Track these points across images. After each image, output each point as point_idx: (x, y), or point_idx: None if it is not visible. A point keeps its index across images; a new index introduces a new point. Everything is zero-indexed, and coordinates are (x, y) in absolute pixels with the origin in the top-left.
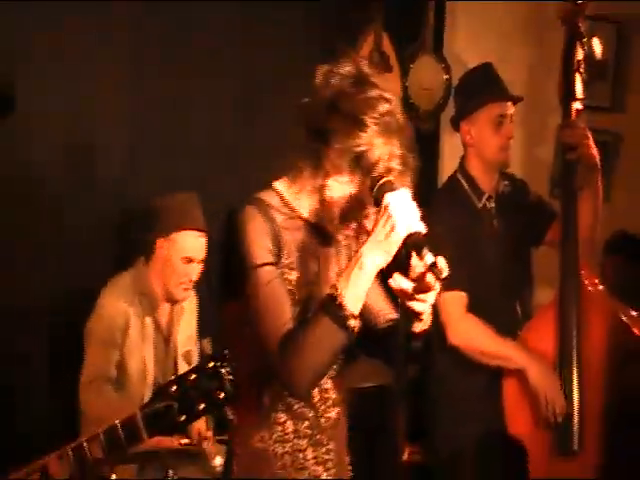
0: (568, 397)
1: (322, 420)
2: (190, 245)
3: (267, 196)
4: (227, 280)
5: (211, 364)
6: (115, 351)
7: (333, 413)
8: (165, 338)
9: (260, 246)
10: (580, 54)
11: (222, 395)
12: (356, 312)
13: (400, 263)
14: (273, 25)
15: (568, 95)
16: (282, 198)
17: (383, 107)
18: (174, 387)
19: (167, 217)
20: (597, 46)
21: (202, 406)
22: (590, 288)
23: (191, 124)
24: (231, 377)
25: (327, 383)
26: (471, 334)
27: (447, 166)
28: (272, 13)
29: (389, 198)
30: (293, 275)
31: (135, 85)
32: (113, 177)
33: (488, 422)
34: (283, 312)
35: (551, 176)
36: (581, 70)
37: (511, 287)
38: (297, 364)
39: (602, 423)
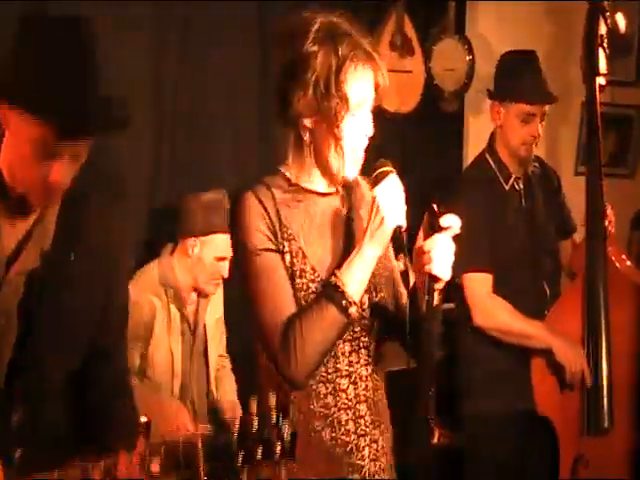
0: (597, 373)
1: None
2: (222, 246)
3: (271, 179)
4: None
5: (274, 416)
6: (138, 343)
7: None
8: (192, 328)
9: (255, 232)
10: (603, 29)
11: (279, 449)
12: (357, 300)
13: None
14: None
15: (591, 70)
16: (287, 178)
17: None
18: (237, 426)
19: (198, 219)
20: (621, 20)
21: (259, 454)
22: (618, 264)
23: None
24: (291, 430)
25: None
26: (495, 314)
27: (472, 147)
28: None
29: (377, 191)
30: (294, 246)
31: (169, 84)
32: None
33: (517, 402)
34: (282, 300)
35: (577, 154)
36: (604, 45)
37: (539, 267)
38: (298, 352)
39: (634, 399)
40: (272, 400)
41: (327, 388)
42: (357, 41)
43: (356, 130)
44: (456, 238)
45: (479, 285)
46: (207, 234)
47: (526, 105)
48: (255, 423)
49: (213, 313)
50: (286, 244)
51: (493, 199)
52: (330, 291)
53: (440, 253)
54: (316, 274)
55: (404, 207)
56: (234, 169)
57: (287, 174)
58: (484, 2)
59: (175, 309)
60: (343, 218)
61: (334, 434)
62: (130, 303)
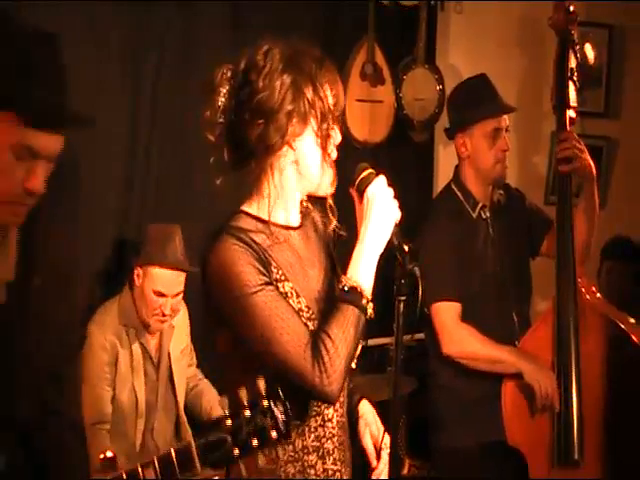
0: (567, 404)
1: (330, 426)
2: (162, 280)
3: (239, 222)
4: (215, 315)
5: (265, 402)
6: (108, 388)
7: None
8: (155, 363)
9: (249, 271)
10: (573, 62)
11: (275, 434)
12: (370, 297)
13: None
14: None
15: (562, 103)
16: (254, 217)
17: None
18: (228, 421)
19: (145, 247)
20: (590, 52)
21: (255, 442)
22: (587, 296)
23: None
24: (284, 417)
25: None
26: (464, 342)
27: (442, 176)
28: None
29: (371, 191)
30: (287, 287)
31: (135, 115)
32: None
33: (487, 433)
34: (297, 324)
35: (546, 183)
36: (574, 78)
37: (508, 296)
38: (335, 360)
39: (602, 432)
40: (261, 385)
41: (317, 421)
42: (323, 61)
43: (334, 141)
44: (424, 268)
45: (447, 314)
46: (147, 265)
47: (490, 120)
48: (247, 412)
49: (178, 344)
50: (279, 285)
51: (461, 228)
52: (347, 294)
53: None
54: (311, 312)
55: (396, 203)
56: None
57: (251, 212)
58: (454, 33)
59: (136, 347)
60: (316, 247)
61: (325, 465)
62: (93, 344)
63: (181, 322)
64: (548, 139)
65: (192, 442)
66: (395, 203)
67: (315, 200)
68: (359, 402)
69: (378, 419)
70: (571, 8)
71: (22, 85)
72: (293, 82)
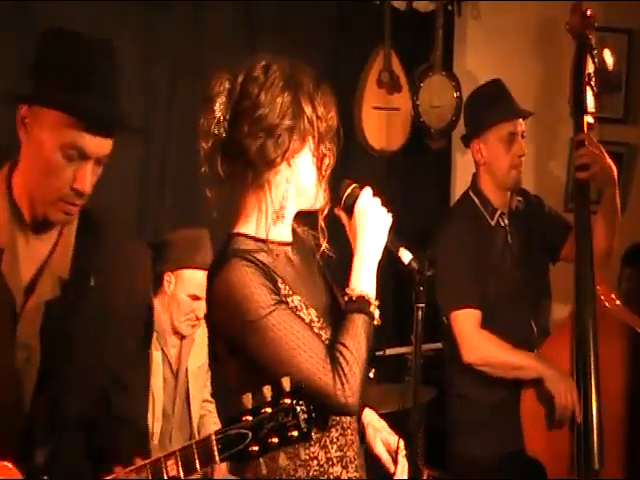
0: (587, 414)
1: (349, 432)
2: (197, 282)
3: (239, 244)
4: (223, 341)
5: (287, 400)
6: None
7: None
8: (174, 371)
9: (261, 293)
10: (591, 67)
11: (296, 433)
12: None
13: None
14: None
15: (579, 109)
16: (251, 237)
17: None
18: (249, 417)
19: (176, 252)
20: (608, 57)
21: (275, 440)
22: (607, 304)
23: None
24: (306, 415)
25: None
26: (485, 349)
27: (459, 184)
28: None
29: (361, 204)
30: (296, 301)
31: (153, 119)
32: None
33: (507, 443)
34: (313, 340)
35: (565, 190)
36: (592, 83)
37: (526, 304)
38: (355, 374)
39: (623, 441)
40: (286, 383)
41: (337, 430)
42: (315, 78)
43: (329, 162)
44: (443, 276)
45: (467, 322)
46: (180, 268)
47: (505, 124)
48: (268, 409)
49: (196, 360)
50: (289, 300)
51: (479, 236)
52: (355, 304)
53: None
54: (322, 321)
55: (385, 209)
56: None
57: (248, 232)
58: (472, 38)
59: (157, 351)
60: (308, 261)
61: (349, 474)
62: None
63: (201, 337)
64: (567, 145)
65: (212, 435)
66: (384, 210)
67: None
68: (362, 411)
69: (385, 424)
70: (588, 12)
71: (76, 88)
72: (294, 99)
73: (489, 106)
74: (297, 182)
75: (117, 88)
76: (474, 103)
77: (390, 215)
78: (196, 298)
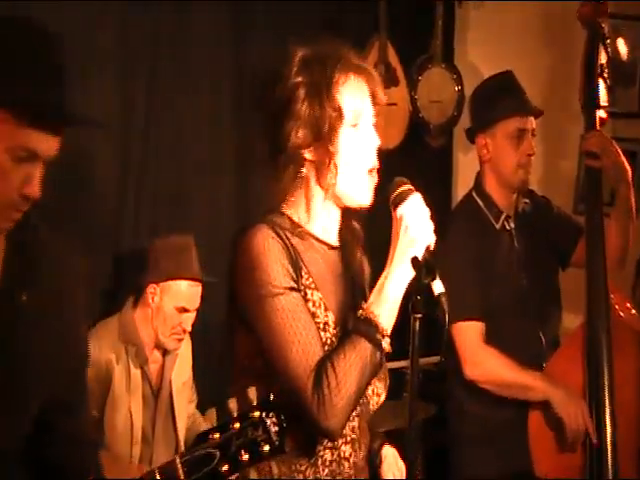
0: (600, 432)
1: (346, 465)
2: (185, 294)
3: (276, 217)
4: (237, 310)
5: (257, 413)
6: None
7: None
8: (154, 390)
9: (278, 269)
10: (603, 57)
11: (267, 447)
12: (389, 332)
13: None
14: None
15: (591, 102)
16: (291, 219)
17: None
18: (216, 435)
19: (161, 263)
20: (622, 47)
21: (246, 457)
22: (621, 313)
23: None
24: (277, 428)
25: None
26: (488, 366)
27: (461, 185)
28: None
29: (402, 210)
30: (316, 296)
31: (133, 128)
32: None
33: (512, 463)
34: (311, 342)
35: (575, 191)
36: (605, 75)
37: (534, 314)
38: (334, 398)
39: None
40: (252, 394)
41: (332, 455)
42: (344, 57)
43: (362, 145)
44: (443, 284)
45: (469, 334)
46: (167, 279)
47: (514, 120)
48: (236, 424)
49: (180, 376)
50: (308, 292)
51: (483, 241)
52: (361, 325)
53: (416, 223)
54: (338, 329)
55: (431, 225)
56: (209, 217)
57: (289, 213)
58: (474, 28)
59: (135, 369)
60: (352, 270)
61: None
62: None
63: (185, 352)
64: (576, 143)
65: (177, 458)
66: (430, 226)
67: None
68: (382, 447)
69: (400, 460)
70: None
71: (19, 84)
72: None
73: (498, 99)
74: (338, 174)
75: (62, 80)
76: (482, 95)
77: (434, 235)
78: (184, 310)
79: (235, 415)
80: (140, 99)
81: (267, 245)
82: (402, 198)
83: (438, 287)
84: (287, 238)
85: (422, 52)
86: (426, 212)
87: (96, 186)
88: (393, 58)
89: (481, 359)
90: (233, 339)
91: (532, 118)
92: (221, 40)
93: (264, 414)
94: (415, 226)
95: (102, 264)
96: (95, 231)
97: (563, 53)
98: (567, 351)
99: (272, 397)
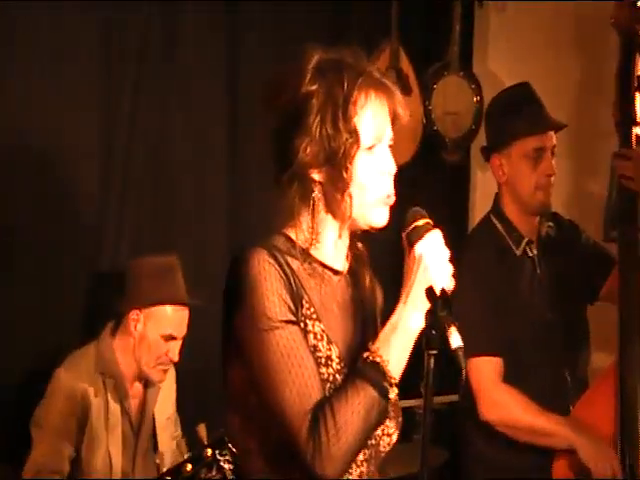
0: None
1: None
2: (171, 320)
3: (277, 240)
4: (232, 341)
5: (209, 452)
6: (68, 444)
7: None
8: (135, 427)
9: (274, 300)
10: None
11: None
12: (397, 379)
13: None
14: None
15: (626, 118)
16: (294, 242)
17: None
18: (168, 479)
19: (142, 286)
20: None
21: None
22: None
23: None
24: (232, 465)
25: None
26: (506, 407)
27: (479, 205)
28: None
29: (421, 250)
30: (317, 327)
31: (110, 145)
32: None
33: None
34: (307, 383)
35: (606, 215)
36: None
37: (559, 350)
38: (333, 445)
39: None
40: (202, 432)
41: None
42: (364, 70)
43: (376, 170)
44: (458, 317)
45: (486, 372)
46: (151, 305)
47: (531, 139)
48: (188, 467)
49: (163, 411)
50: (309, 323)
51: (501, 268)
52: (367, 369)
53: (434, 263)
54: (342, 364)
55: (450, 267)
56: (197, 231)
57: (293, 237)
58: (495, 32)
59: (115, 403)
60: (360, 299)
61: None
62: (58, 391)
63: (168, 386)
64: (608, 162)
65: None
66: (450, 269)
67: None
68: None
69: None
70: (639, 3)
71: None
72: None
73: (513, 115)
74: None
75: None
76: (495, 111)
77: (453, 279)
78: (171, 338)
79: (186, 457)
80: (126, 102)
81: (264, 272)
82: (419, 235)
83: (455, 339)
84: (287, 264)
85: (437, 58)
86: (447, 254)
87: (77, 199)
88: (405, 64)
89: (497, 399)
90: (226, 371)
91: (552, 133)
92: (214, 39)
93: (217, 452)
94: (435, 269)
95: (77, 282)
96: (70, 246)
97: (593, 61)
98: (596, 393)
99: (223, 433)
